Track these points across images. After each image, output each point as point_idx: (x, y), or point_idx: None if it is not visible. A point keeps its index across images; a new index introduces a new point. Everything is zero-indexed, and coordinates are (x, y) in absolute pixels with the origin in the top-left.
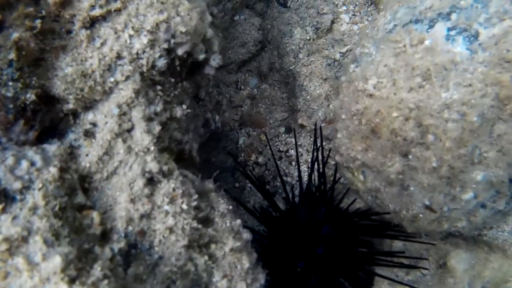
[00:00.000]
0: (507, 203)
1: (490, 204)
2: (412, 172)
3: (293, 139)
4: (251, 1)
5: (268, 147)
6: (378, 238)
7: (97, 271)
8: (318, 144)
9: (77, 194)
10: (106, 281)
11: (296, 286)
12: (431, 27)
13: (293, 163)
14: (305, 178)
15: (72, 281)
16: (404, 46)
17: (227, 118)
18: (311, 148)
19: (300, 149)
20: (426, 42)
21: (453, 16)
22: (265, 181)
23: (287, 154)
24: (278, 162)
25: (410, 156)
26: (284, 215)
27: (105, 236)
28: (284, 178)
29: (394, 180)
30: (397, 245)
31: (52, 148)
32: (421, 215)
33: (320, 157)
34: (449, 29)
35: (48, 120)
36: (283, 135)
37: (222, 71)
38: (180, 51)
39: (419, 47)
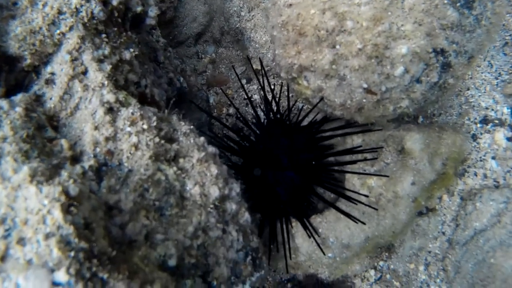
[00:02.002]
0: (439, 75)
1: (424, 78)
2: (343, 60)
3: (254, 86)
4: None
5: (234, 99)
6: (340, 140)
7: (63, 175)
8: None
9: (46, 130)
10: (71, 181)
11: (273, 197)
12: None
13: (258, 105)
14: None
15: (40, 183)
16: None
17: (193, 81)
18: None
19: (262, 92)
20: None
21: None
22: (239, 127)
23: (252, 99)
24: (246, 108)
25: (337, 46)
26: (252, 142)
27: (76, 159)
28: (254, 121)
29: (330, 72)
30: (357, 141)
31: (18, 97)
32: (364, 100)
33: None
34: None
35: (13, 78)
36: (246, 85)
37: (183, 46)
38: (114, 1)
39: None
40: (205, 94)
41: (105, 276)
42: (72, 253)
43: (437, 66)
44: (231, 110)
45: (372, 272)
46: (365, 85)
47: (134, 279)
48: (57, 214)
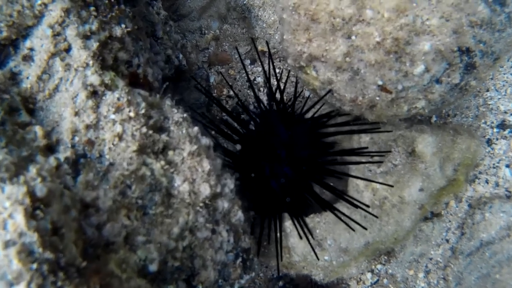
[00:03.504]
0: (462, 76)
1: (445, 79)
2: (358, 53)
3: (258, 68)
4: None
5: (236, 80)
6: (345, 136)
7: (31, 172)
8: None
9: (20, 113)
10: (39, 179)
11: (268, 191)
12: None
13: (261, 89)
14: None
15: (2, 181)
16: None
17: (193, 58)
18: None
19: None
20: None
21: None
22: (239, 111)
23: (255, 82)
24: (248, 91)
25: (353, 37)
26: (251, 130)
27: (51, 149)
28: (256, 104)
29: (343, 64)
30: (365, 139)
31: None
32: (377, 98)
33: (274, 72)
34: None
35: None
36: (249, 66)
37: (185, 20)
38: None
39: None
40: (205, 72)
41: None
42: (35, 265)
43: (460, 67)
44: (232, 92)
45: (369, 275)
46: (380, 82)
47: None
48: (20, 219)
